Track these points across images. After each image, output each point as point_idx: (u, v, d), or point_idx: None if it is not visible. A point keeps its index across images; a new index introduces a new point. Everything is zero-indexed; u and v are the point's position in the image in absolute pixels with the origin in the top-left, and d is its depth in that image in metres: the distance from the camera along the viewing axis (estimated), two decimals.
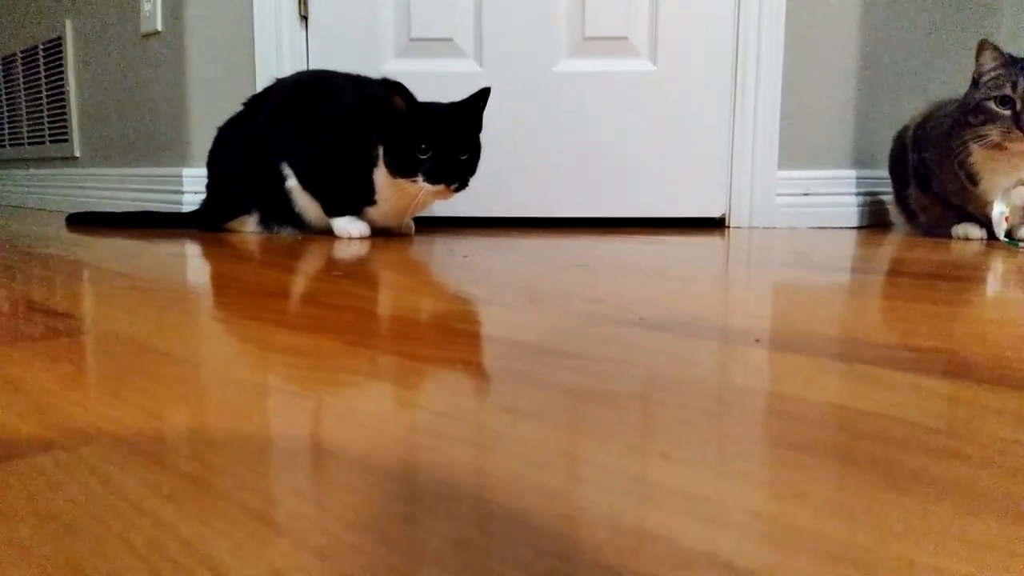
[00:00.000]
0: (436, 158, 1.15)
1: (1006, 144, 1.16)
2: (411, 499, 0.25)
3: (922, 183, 1.34)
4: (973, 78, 1.23)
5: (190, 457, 0.29)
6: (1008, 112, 1.15)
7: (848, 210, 1.54)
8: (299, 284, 0.77)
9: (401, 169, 1.17)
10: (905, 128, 1.43)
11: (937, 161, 1.27)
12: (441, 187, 1.16)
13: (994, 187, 1.20)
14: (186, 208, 1.55)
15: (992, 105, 1.17)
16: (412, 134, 1.15)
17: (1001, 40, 1.77)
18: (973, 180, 1.22)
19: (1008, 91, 1.16)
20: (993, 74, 1.19)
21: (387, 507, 0.25)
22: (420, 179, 1.15)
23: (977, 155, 1.20)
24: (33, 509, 0.24)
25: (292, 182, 1.27)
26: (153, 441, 0.31)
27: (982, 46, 1.21)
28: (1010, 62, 1.18)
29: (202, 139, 1.54)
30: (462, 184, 1.19)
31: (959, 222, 1.29)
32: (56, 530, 0.23)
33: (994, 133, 1.16)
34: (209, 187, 1.38)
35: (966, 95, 1.23)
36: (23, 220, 1.79)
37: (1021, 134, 1.14)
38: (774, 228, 1.49)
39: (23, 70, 2.37)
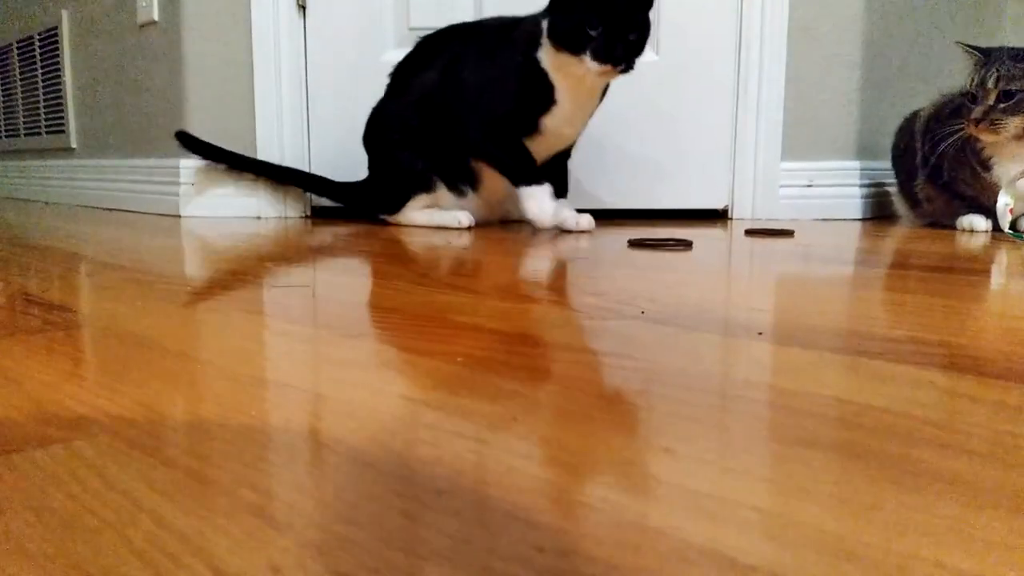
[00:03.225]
0: (606, 34, 1.08)
1: (976, 135, 1.22)
2: (409, 494, 0.25)
3: (932, 174, 1.34)
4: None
5: (188, 451, 0.29)
6: (973, 106, 1.22)
7: (852, 202, 1.54)
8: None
9: (567, 42, 1.10)
10: (910, 120, 1.42)
11: (952, 152, 1.28)
12: (608, 67, 1.10)
13: (1007, 172, 1.22)
14: (183, 200, 1.55)
15: (965, 102, 1.24)
16: (581, 5, 1.08)
17: (1004, 30, 1.76)
18: (986, 166, 1.23)
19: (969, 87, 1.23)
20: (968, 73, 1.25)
21: (386, 502, 0.24)
22: (587, 57, 1.09)
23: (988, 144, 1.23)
24: (29, 503, 0.24)
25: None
26: (150, 435, 0.30)
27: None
28: (980, 62, 1.24)
29: (199, 130, 1.54)
30: (628, 66, 1.12)
31: (965, 213, 1.29)
32: (52, 525, 0.23)
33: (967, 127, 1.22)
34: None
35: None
36: (19, 212, 1.79)
37: (976, 127, 1.21)
38: (777, 220, 1.49)
39: (19, 61, 2.35)
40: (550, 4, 1.14)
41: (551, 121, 1.19)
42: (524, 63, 1.17)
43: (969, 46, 1.25)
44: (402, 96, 1.30)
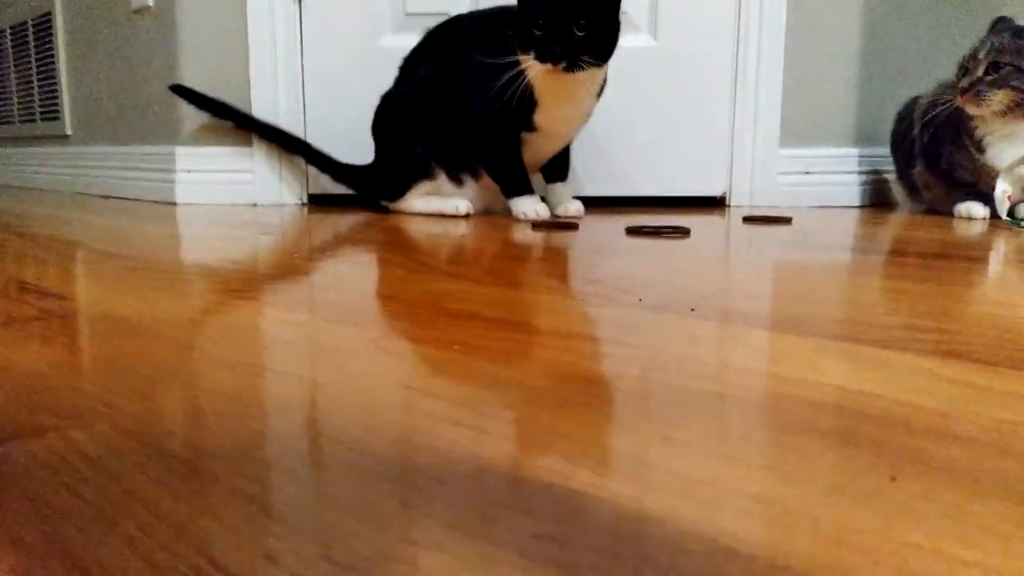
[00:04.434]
0: (546, 33, 1.04)
1: (962, 106, 1.23)
2: (406, 482, 0.25)
3: (930, 162, 1.34)
4: None
5: (184, 440, 0.29)
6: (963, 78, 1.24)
7: (850, 189, 1.53)
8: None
9: (521, 41, 1.08)
10: (910, 106, 1.42)
11: (948, 136, 1.28)
12: (548, 66, 1.05)
13: (1001, 153, 1.22)
14: (179, 187, 1.54)
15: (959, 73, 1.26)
16: (530, 3, 1.06)
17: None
18: (979, 147, 1.23)
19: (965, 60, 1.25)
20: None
21: (383, 490, 0.24)
22: (532, 56, 1.06)
23: (978, 121, 1.24)
24: (24, 493, 0.24)
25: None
26: (147, 424, 0.30)
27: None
28: (987, 35, 1.25)
29: (194, 117, 1.53)
30: (571, 63, 1.05)
31: (963, 200, 1.29)
32: (47, 515, 0.23)
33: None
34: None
35: None
36: (14, 199, 1.78)
37: (961, 97, 1.22)
38: (775, 207, 1.48)
39: (12, 47, 2.33)
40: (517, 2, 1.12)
41: (541, 119, 1.17)
42: (509, 63, 1.13)
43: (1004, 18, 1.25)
44: (407, 85, 1.30)
